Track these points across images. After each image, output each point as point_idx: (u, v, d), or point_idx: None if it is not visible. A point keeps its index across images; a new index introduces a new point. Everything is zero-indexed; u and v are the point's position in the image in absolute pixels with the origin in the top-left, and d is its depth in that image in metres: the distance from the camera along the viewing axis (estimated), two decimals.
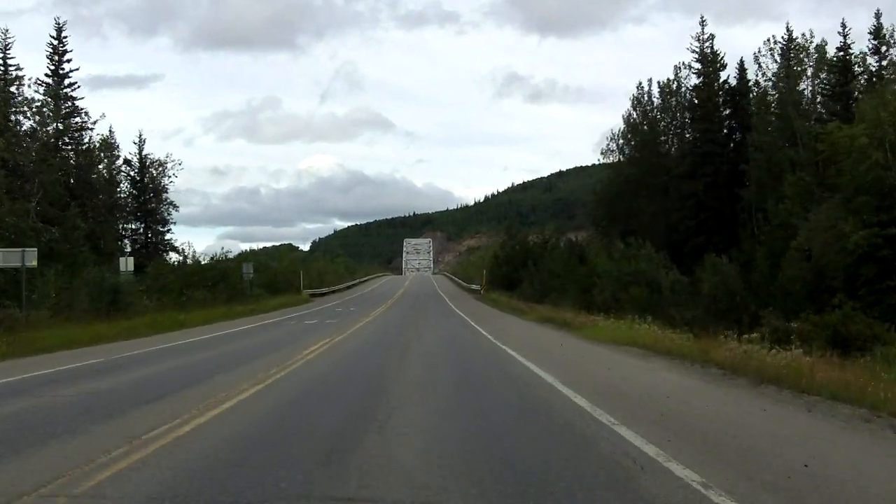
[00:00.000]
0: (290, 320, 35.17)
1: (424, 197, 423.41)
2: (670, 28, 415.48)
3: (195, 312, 36.15)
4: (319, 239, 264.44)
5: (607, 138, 61.50)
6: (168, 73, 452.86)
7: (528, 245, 65.64)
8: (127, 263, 37.88)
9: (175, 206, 64.29)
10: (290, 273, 71.15)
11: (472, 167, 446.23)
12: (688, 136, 56.10)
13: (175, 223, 63.38)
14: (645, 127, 57.14)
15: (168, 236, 63.78)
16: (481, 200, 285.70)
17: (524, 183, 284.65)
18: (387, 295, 67.14)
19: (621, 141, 62.66)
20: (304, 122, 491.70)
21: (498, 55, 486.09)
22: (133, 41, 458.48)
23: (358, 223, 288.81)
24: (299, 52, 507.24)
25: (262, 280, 62.76)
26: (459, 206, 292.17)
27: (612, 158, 64.52)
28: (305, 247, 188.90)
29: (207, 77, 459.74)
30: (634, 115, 59.27)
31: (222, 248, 62.08)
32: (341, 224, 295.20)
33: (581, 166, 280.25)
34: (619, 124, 70.04)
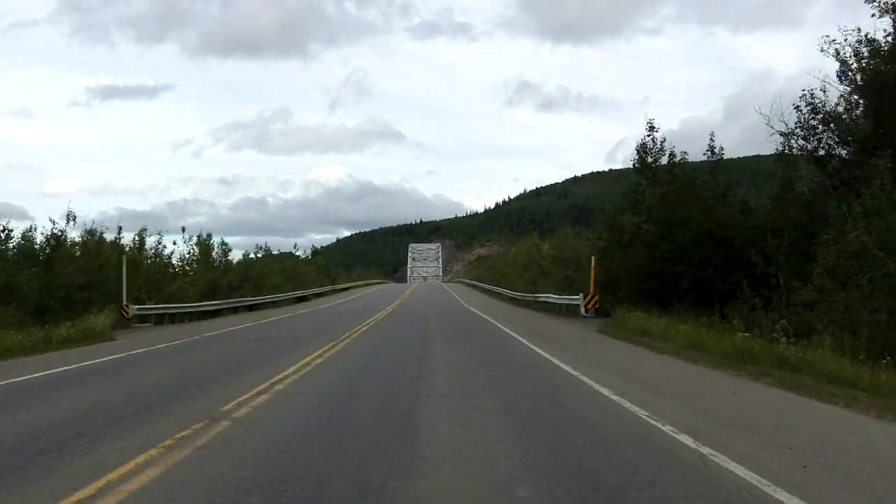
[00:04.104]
0: None
1: (434, 208, 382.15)
2: (685, 39, 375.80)
3: None
4: (322, 247, 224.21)
5: None
6: (179, 84, 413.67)
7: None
8: None
9: None
10: (159, 272, 28.52)
11: (483, 179, 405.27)
12: None
13: None
14: None
15: None
16: (492, 207, 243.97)
17: (537, 189, 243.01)
18: (347, 321, 24.29)
19: None
20: (315, 132, 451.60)
21: (510, 64, 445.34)
22: (141, 48, 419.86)
23: (363, 231, 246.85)
24: (310, 62, 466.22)
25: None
26: (469, 213, 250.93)
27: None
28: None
29: (219, 88, 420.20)
30: None
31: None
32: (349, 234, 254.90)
33: (598, 171, 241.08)
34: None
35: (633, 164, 25.73)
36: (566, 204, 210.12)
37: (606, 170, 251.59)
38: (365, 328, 20.06)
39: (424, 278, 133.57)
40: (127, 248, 27.65)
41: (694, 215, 23.09)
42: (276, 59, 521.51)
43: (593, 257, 24.66)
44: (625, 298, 24.44)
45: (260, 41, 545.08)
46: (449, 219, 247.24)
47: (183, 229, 39.64)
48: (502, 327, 20.29)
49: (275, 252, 62.98)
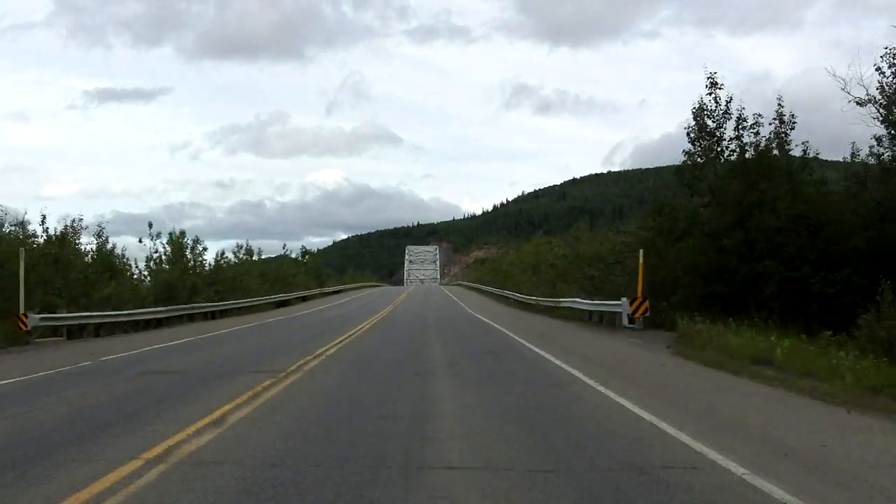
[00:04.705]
0: None
1: (431, 211, 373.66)
2: (683, 42, 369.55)
3: None
4: (318, 250, 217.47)
5: None
6: (176, 87, 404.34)
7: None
8: None
9: None
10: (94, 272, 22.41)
11: (480, 182, 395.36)
12: None
13: None
14: None
15: None
16: (489, 210, 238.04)
17: (535, 191, 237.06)
18: (317, 335, 18.15)
19: None
20: (311, 136, 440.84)
21: (507, 67, 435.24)
22: (138, 51, 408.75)
23: (359, 234, 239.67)
24: (307, 65, 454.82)
25: None
26: (466, 216, 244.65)
27: None
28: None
29: (215, 91, 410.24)
30: None
31: None
32: (345, 237, 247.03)
33: (596, 173, 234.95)
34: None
35: (688, 133, 19.68)
36: (564, 206, 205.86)
37: (605, 172, 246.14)
38: (335, 349, 14.00)
39: (422, 281, 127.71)
40: (41, 241, 21.53)
41: (780, 194, 17.14)
42: (272, 62, 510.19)
43: (641, 251, 18.62)
44: (681, 304, 18.52)
45: (256, 44, 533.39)
46: (446, 221, 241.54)
47: (150, 225, 33.34)
48: (535, 349, 14.13)
49: (272, 255, 57.30)
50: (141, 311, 21.64)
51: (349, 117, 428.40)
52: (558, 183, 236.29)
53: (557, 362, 11.53)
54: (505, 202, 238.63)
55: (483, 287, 55.93)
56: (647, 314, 18.12)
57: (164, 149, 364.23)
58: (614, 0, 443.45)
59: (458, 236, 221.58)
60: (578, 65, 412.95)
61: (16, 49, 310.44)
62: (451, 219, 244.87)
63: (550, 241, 41.80)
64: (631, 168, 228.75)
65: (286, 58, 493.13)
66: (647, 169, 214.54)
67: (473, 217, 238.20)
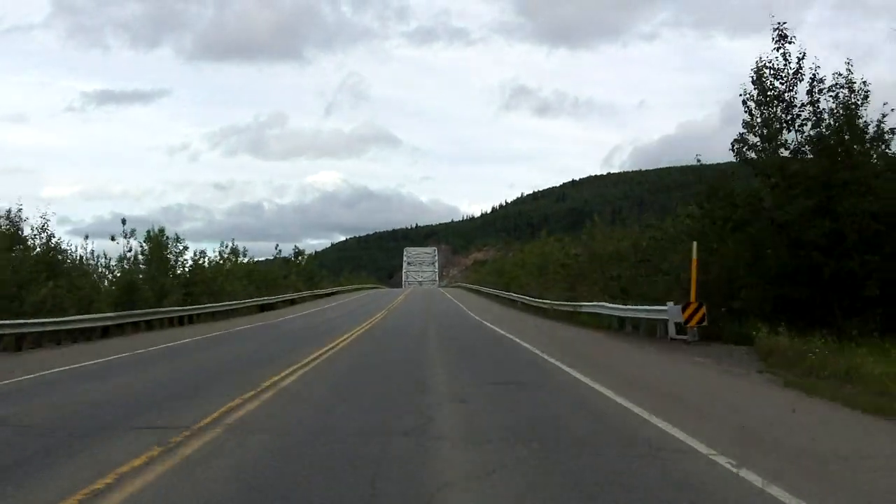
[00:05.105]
0: None
1: (430, 213, 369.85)
2: (682, 44, 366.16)
3: None
4: (316, 252, 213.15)
5: None
6: (174, 88, 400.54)
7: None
8: None
9: None
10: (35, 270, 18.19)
11: (479, 183, 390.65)
12: None
13: None
14: None
15: None
16: (488, 212, 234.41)
17: (535, 193, 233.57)
18: (275, 355, 14.10)
19: None
20: (310, 137, 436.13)
21: (506, 69, 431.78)
22: (136, 53, 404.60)
23: (358, 236, 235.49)
24: (306, 67, 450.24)
25: None
26: (465, 217, 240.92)
27: None
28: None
29: (214, 92, 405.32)
30: None
31: None
32: (344, 239, 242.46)
33: (595, 175, 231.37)
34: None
35: (744, 101, 15.76)
36: (564, 208, 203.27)
37: (604, 173, 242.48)
38: (295, 376, 10.08)
39: (420, 283, 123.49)
40: None
41: (879, 169, 13.28)
42: (271, 63, 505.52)
43: (695, 244, 14.71)
44: (742, 310, 14.70)
45: (255, 45, 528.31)
46: (445, 223, 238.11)
47: (123, 222, 29.41)
48: (593, 384, 10.18)
49: (269, 257, 53.59)
50: (77, 318, 17.56)
51: (348, 119, 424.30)
52: (557, 185, 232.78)
53: (632, 407, 7.56)
54: (504, 204, 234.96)
55: (482, 289, 52.10)
56: (705, 323, 14.25)
57: (163, 150, 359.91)
58: (613, 2, 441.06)
59: (457, 238, 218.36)
60: (577, 67, 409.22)
61: (14, 51, 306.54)
62: (450, 221, 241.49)
63: (561, 239, 37.91)
64: (630, 170, 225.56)
65: (285, 59, 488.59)
66: (646, 170, 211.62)
67: (472, 219, 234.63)
